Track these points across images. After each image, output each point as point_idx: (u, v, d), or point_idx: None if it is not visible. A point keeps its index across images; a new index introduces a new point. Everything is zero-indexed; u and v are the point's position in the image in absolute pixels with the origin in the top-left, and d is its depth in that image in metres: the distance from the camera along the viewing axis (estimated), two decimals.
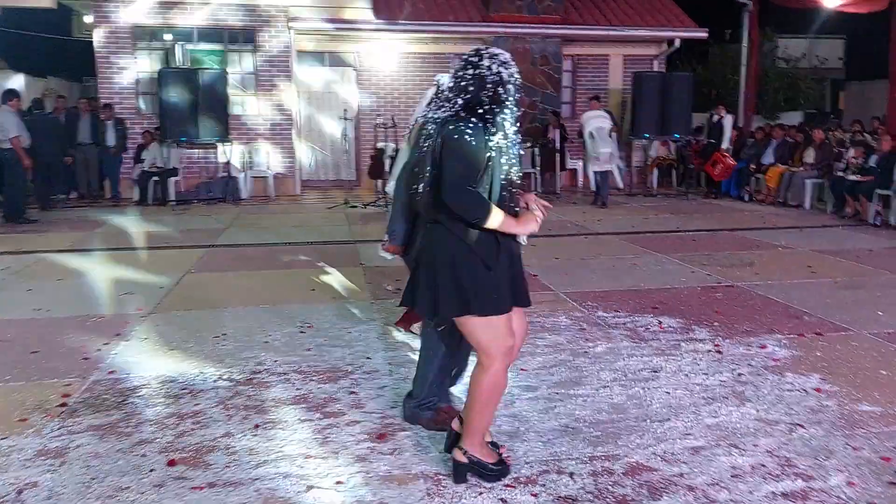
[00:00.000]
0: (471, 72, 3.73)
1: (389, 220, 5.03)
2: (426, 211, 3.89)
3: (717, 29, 23.82)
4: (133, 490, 3.88)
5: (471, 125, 3.64)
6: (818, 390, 5.23)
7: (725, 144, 16.61)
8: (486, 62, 3.73)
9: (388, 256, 5.23)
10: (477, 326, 3.82)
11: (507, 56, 3.82)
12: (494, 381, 3.88)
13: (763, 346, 6.18)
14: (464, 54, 3.84)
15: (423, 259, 3.94)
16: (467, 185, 3.62)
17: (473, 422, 3.97)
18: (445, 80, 4.57)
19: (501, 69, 3.75)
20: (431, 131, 3.79)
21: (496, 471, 4.01)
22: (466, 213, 3.65)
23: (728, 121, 16.90)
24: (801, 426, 4.64)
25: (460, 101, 3.72)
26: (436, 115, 3.81)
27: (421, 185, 3.85)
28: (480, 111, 3.69)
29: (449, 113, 3.73)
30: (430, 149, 3.75)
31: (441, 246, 3.80)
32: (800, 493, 3.84)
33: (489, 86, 3.71)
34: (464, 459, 3.98)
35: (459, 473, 4.00)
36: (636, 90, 17.06)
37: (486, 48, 3.84)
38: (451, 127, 3.67)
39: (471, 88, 3.72)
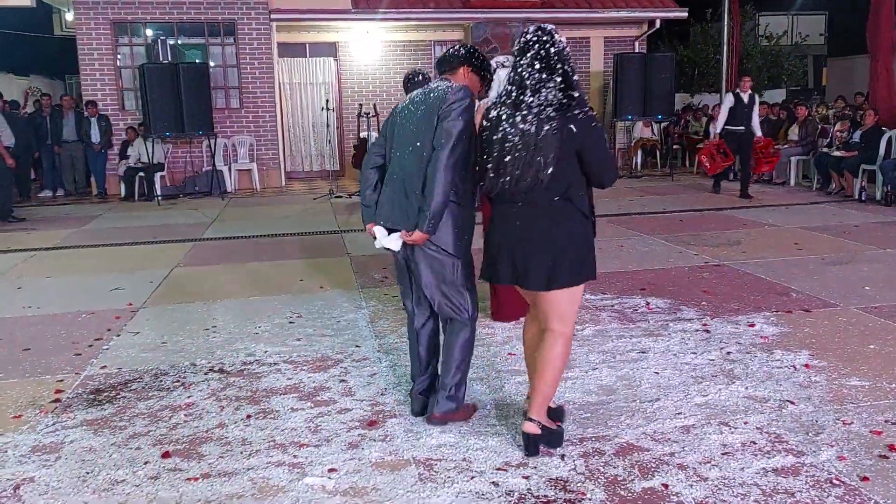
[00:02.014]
0: (553, 49, 3.78)
1: (424, 210, 4.08)
2: (546, 191, 3.80)
3: (697, 8, 23.89)
4: (128, 483, 3.89)
5: (592, 109, 3.77)
6: (807, 366, 5.27)
7: (758, 131, 14.34)
8: (556, 37, 3.82)
9: (396, 248, 4.27)
10: (569, 296, 3.98)
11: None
12: (566, 351, 4.04)
13: (751, 324, 6.22)
14: (528, 33, 3.85)
15: (547, 237, 3.87)
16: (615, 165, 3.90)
17: (547, 392, 4.06)
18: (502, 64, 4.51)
19: (564, 42, 3.85)
20: (534, 116, 3.72)
21: (560, 433, 4.16)
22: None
23: (756, 101, 14.31)
24: (791, 402, 4.68)
25: (559, 81, 3.75)
26: (542, 99, 3.74)
27: (525, 167, 3.76)
28: (573, 85, 3.77)
29: (558, 95, 3.74)
30: (549, 133, 3.68)
31: (574, 222, 3.88)
32: (791, 468, 3.87)
33: (568, 59, 3.81)
34: (537, 431, 4.05)
35: (533, 445, 4.06)
36: (618, 72, 17.01)
37: (544, 26, 3.87)
38: (580, 114, 3.74)
39: (559, 66, 3.77)
